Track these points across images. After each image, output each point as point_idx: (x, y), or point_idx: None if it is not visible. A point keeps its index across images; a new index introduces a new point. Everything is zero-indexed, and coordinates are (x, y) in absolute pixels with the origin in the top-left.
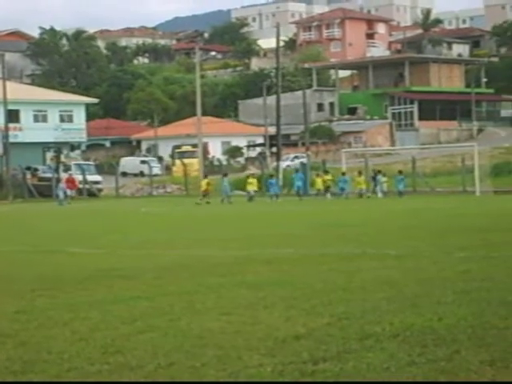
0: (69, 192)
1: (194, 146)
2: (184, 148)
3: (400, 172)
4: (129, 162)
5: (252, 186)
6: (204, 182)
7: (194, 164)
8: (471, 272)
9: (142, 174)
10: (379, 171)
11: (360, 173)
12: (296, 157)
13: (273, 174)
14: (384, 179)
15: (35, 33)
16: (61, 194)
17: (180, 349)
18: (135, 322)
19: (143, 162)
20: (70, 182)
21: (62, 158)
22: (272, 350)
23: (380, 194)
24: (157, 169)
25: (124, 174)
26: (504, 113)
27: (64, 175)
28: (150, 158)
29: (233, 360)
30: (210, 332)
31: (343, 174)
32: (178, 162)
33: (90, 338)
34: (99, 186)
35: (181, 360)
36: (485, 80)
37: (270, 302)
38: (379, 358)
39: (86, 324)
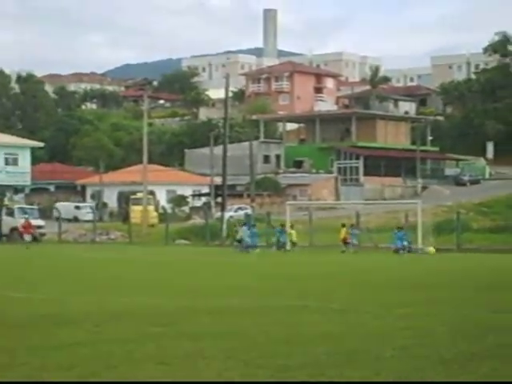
0: (26, 237)
1: (150, 193)
2: (139, 195)
3: (352, 225)
4: (63, 207)
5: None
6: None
7: (151, 211)
8: (411, 328)
9: (75, 219)
10: (352, 225)
11: (292, 226)
12: (239, 208)
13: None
14: (357, 232)
15: None
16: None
17: None
18: (73, 368)
19: (77, 207)
20: (27, 227)
21: (6, 201)
22: None
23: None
24: (90, 215)
25: (58, 219)
26: (448, 171)
27: (20, 221)
28: (84, 204)
29: None
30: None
31: (282, 225)
32: (135, 208)
33: None
34: (42, 230)
35: None
36: (430, 138)
37: (209, 353)
38: None
39: (24, 370)
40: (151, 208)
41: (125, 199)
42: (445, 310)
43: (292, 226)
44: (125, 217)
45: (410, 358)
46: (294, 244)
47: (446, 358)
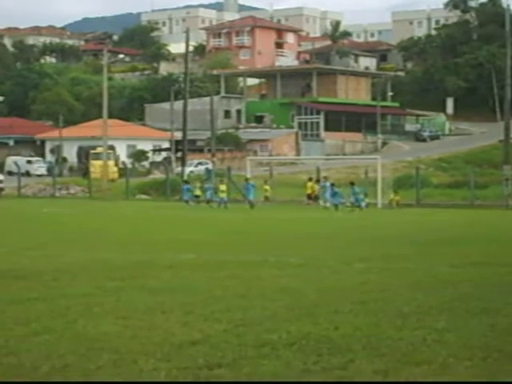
0: None
1: (110, 148)
2: (99, 149)
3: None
4: (12, 161)
5: (223, 193)
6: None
7: (111, 166)
8: (369, 283)
9: (27, 173)
10: (325, 177)
11: (266, 181)
12: (200, 163)
13: (187, 179)
14: (358, 190)
15: None
16: None
17: (75, 351)
18: (30, 323)
19: (29, 161)
20: None
21: None
22: (168, 355)
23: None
24: (42, 169)
25: (10, 173)
26: (408, 127)
27: None
28: (36, 159)
29: (128, 364)
30: (106, 336)
31: (247, 180)
32: (94, 162)
33: None
34: (1, 185)
35: (75, 363)
36: (390, 94)
37: (168, 307)
38: (274, 365)
39: None
40: (111, 163)
41: (85, 154)
42: (403, 265)
43: (266, 182)
44: (85, 172)
45: (368, 313)
46: (266, 198)
47: (403, 311)
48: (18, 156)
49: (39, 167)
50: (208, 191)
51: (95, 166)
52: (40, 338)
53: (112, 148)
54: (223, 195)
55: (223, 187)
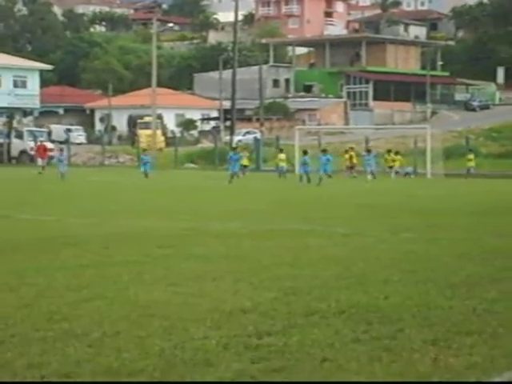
0: (40, 161)
1: (158, 117)
2: (147, 119)
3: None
4: (54, 130)
5: (283, 162)
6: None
7: (158, 135)
8: (417, 253)
9: (66, 141)
10: (368, 150)
11: (347, 150)
12: (248, 132)
13: (236, 147)
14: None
15: None
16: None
17: (126, 318)
18: (82, 289)
19: (68, 130)
20: (41, 150)
21: (14, 124)
22: (218, 323)
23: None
24: (82, 137)
25: (52, 142)
26: (458, 96)
27: (29, 143)
28: (76, 127)
29: (178, 331)
30: (156, 303)
31: (324, 151)
32: (142, 132)
33: (36, 305)
34: (51, 153)
35: (126, 329)
36: (440, 63)
37: (217, 274)
38: (324, 333)
39: (32, 290)
40: (158, 132)
41: (133, 123)
42: (451, 235)
43: (347, 151)
44: (133, 140)
45: (417, 282)
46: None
47: (453, 281)
48: (58, 125)
49: (78, 135)
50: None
51: (142, 135)
52: (91, 305)
53: (159, 117)
54: (282, 164)
55: (282, 156)
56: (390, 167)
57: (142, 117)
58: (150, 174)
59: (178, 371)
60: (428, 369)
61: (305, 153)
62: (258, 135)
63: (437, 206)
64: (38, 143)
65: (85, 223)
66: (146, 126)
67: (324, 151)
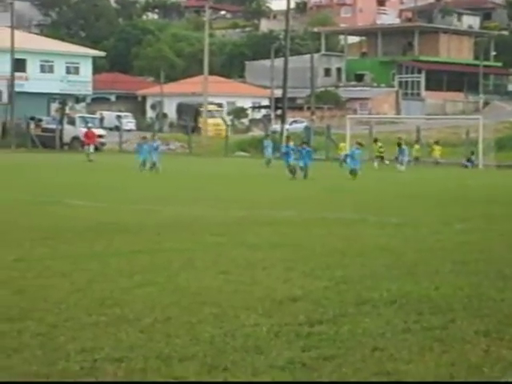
0: (87, 148)
1: (219, 105)
2: (210, 107)
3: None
4: (106, 117)
5: (341, 150)
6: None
7: (221, 124)
8: (470, 243)
9: (117, 128)
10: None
11: (376, 140)
12: (295, 121)
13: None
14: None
15: None
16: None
17: (177, 304)
18: (134, 275)
19: (118, 116)
20: (90, 136)
21: (67, 110)
22: (269, 311)
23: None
24: (131, 124)
25: (112, 129)
26: (511, 87)
27: (81, 130)
28: (125, 114)
29: (229, 318)
30: (207, 290)
31: (376, 141)
32: (209, 120)
33: (88, 290)
34: (102, 140)
35: (177, 315)
36: (494, 53)
37: (268, 263)
38: (375, 323)
39: (85, 275)
40: (221, 121)
41: (193, 111)
42: (504, 226)
43: (416, 142)
44: (193, 129)
45: (469, 274)
46: (417, 159)
47: (505, 273)
48: (108, 111)
49: (128, 122)
50: (268, 148)
51: (208, 123)
52: (143, 290)
53: (220, 106)
54: (342, 153)
55: (343, 145)
56: (379, 157)
57: (200, 104)
58: (157, 166)
59: (228, 358)
60: (479, 360)
61: (360, 144)
62: (305, 124)
63: (490, 196)
64: (86, 129)
65: (137, 209)
66: (211, 114)
67: (376, 141)
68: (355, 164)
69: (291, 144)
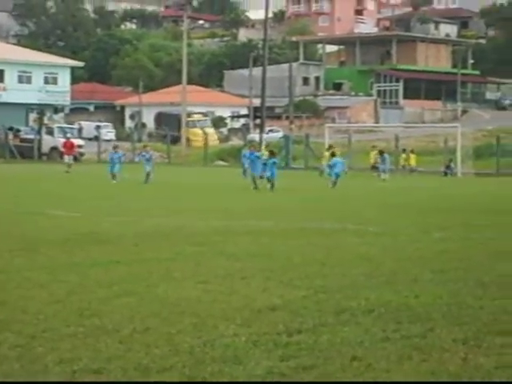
0: (66, 158)
1: (205, 114)
2: (196, 117)
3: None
4: (85, 127)
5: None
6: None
7: (212, 133)
8: (449, 252)
9: (96, 138)
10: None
11: (412, 150)
12: (271, 130)
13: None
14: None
15: None
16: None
17: (156, 315)
18: (112, 286)
19: (98, 126)
20: (69, 147)
21: (45, 120)
22: (248, 321)
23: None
24: (111, 134)
25: (90, 139)
26: (489, 95)
27: (60, 140)
28: (105, 124)
29: (208, 328)
30: (186, 300)
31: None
32: (196, 130)
33: (67, 301)
34: (81, 150)
35: (157, 326)
36: (471, 61)
37: (247, 272)
38: (354, 332)
39: (64, 286)
40: (211, 130)
41: (175, 121)
42: (483, 234)
43: (412, 151)
44: (176, 139)
45: (448, 282)
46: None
47: (484, 281)
48: (88, 122)
49: (108, 132)
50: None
51: (195, 133)
52: (122, 301)
53: (207, 115)
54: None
55: (327, 154)
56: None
57: (189, 115)
58: (118, 176)
59: (207, 369)
60: (458, 368)
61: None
62: (281, 133)
63: (468, 205)
64: (65, 139)
65: (115, 220)
66: (195, 124)
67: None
68: (336, 173)
69: (257, 153)
